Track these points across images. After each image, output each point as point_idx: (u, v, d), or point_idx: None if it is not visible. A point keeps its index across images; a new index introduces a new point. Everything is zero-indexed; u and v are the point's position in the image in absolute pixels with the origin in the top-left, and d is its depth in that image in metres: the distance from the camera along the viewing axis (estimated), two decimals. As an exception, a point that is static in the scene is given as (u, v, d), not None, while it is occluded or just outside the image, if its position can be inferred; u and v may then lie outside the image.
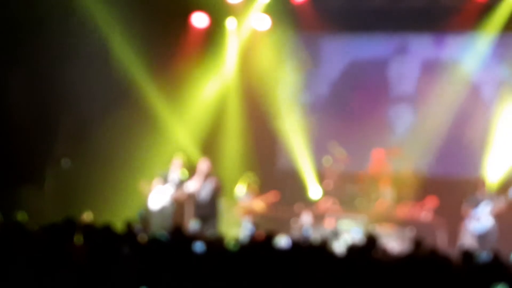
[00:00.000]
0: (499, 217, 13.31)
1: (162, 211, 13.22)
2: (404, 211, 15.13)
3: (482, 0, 15.51)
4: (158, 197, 13.26)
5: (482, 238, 13.18)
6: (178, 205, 13.88)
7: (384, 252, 8.80)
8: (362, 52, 17.19)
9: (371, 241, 8.99)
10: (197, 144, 16.23)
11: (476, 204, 13.38)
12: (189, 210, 14.32)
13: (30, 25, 14.08)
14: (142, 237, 8.67)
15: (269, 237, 8.32)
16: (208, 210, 13.12)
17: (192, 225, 10.13)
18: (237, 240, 9.22)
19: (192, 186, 13.17)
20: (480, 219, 13.20)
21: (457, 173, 15.95)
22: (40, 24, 14.01)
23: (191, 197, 13.67)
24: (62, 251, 7.47)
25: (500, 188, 14.13)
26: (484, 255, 7.70)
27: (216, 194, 13.26)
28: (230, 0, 16.45)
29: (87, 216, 10.51)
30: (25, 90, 14.31)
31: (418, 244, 9.24)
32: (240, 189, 15.40)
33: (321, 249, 7.87)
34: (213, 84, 16.90)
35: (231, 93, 17.01)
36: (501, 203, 13.20)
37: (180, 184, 13.30)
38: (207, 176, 13.27)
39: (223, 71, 16.99)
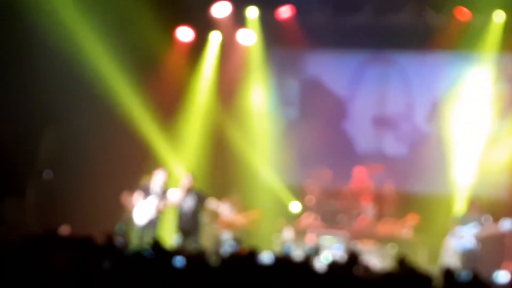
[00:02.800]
0: (483, 239, 13.26)
1: (148, 225, 13.16)
2: (386, 228, 15.11)
3: (465, 19, 15.60)
4: (143, 211, 13.19)
5: (463, 256, 13.15)
6: (162, 218, 13.82)
7: (366, 269, 8.77)
8: (346, 69, 17.21)
9: (352, 257, 8.98)
10: (180, 158, 16.18)
11: (463, 222, 13.29)
12: (171, 224, 14.26)
13: (14, 37, 14.01)
14: (124, 251, 8.60)
15: (252, 253, 8.26)
16: (190, 224, 13.04)
17: (175, 239, 10.06)
18: (218, 255, 9.18)
19: (175, 195, 13.08)
20: (463, 238, 13.15)
21: (438, 190, 15.94)
22: (25, 36, 13.94)
23: (174, 210, 13.61)
24: (42, 264, 7.38)
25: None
26: (464, 274, 7.70)
27: (199, 208, 13.19)
28: (215, 14, 16.47)
29: (64, 230, 10.42)
30: (7, 101, 14.19)
31: (400, 261, 9.22)
32: (222, 204, 15.34)
33: (303, 265, 7.83)
34: (198, 98, 16.90)
35: (214, 107, 16.98)
36: (488, 231, 13.10)
37: (163, 196, 13.23)
38: (190, 190, 13.20)
39: (207, 85, 16.99)
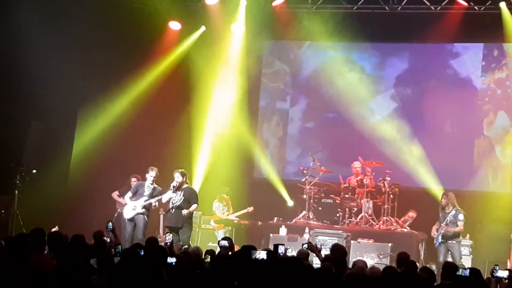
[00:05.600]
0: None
1: (135, 221, 13.02)
2: (384, 224, 14.96)
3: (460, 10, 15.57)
4: (131, 206, 13.04)
5: (441, 251, 12.99)
6: (152, 216, 13.70)
7: (363, 266, 8.64)
8: (342, 61, 17.08)
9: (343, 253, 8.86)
10: (172, 156, 16.07)
11: (440, 220, 13.13)
12: (163, 222, 14.13)
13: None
14: (113, 249, 8.47)
15: (246, 251, 8.11)
16: (176, 221, 12.88)
17: (168, 237, 9.92)
18: (213, 253, 9.07)
19: (166, 197, 12.98)
20: (437, 236, 13.04)
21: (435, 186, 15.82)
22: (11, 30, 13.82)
23: (165, 208, 13.49)
24: (30, 262, 7.24)
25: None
26: (463, 270, 7.57)
27: (186, 206, 12.97)
28: (207, 1, 16.40)
29: (53, 229, 10.29)
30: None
31: (399, 258, 9.10)
32: (216, 202, 15.23)
33: (299, 263, 7.66)
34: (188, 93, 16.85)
35: (206, 101, 16.89)
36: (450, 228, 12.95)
37: (154, 194, 13.09)
38: (180, 187, 13.05)
39: (198, 78, 16.92)
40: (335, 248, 9.13)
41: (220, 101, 16.94)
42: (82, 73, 14.70)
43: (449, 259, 12.63)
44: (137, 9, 15.71)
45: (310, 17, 16.06)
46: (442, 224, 12.97)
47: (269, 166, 17.00)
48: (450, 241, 12.93)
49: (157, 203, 13.16)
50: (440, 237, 12.93)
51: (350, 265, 8.95)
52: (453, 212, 13.01)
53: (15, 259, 7.40)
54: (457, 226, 12.96)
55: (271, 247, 12.47)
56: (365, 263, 9.13)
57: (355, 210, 15.34)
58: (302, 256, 9.20)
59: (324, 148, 16.94)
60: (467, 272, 7.42)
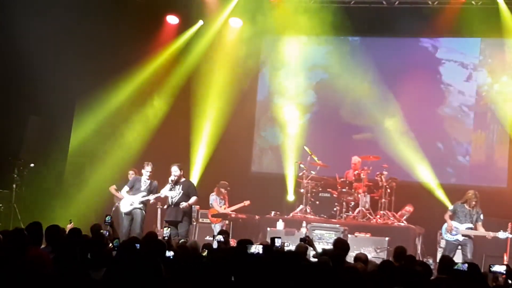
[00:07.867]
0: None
1: (132, 215, 13.01)
2: (381, 218, 14.96)
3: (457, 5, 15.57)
4: (129, 201, 13.04)
5: (452, 247, 12.86)
6: (150, 210, 13.69)
7: (362, 260, 8.64)
8: (340, 56, 17.07)
9: (345, 248, 8.86)
10: (170, 149, 16.06)
11: (458, 215, 12.94)
12: (161, 216, 14.10)
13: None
14: (111, 243, 8.47)
15: (242, 244, 8.11)
16: (176, 215, 12.88)
17: (166, 231, 9.94)
18: (210, 247, 9.06)
19: (165, 192, 12.99)
20: (453, 232, 12.82)
21: (434, 181, 15.85)
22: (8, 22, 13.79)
23: (163, 202, 13.48)
24: (25, 256, 7.22)
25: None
26: (461, 264, 7.54)
27: (185, 199, 12.96)
28: None
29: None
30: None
31: (397, 252, 9.10)
32: (213, 195, 15.23)
33: (296, 257, 7.66)
34: (185, 86, 16.84)
35: (204, 95, 16.89)
36: (478, 233, 12.74)
37: (150, 189, 13.08)
38: (178, 181, 13.05)
39: (196, 73, 16.94)
40: (337, 242, 9.15)
41: (218, 95, 16.94)
42: (80, 67, 14.67)
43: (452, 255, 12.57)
44: (134, 2, 15.71)
45: (308, 11, 16.04)
46: (462, 225, 12.77)
47: (267, 160, 16.98)
48: (465, 237, 12.79)
49: (155, 196, 13.14)
50: (460, 235, 12.71)
51: (352, 260, 8.95)
52: (477, 211, 12.79)
53: (12, 253, 7.36)
54: (478, 225, 12.72)
55: (268, 241, 12.52)
56: (366, 256, 9.12)
57: (352, 204, 15.34)
58: (301, 250, 9.21)
59: (322, 143, 16.92)
60: (465, 267, 7.38)
